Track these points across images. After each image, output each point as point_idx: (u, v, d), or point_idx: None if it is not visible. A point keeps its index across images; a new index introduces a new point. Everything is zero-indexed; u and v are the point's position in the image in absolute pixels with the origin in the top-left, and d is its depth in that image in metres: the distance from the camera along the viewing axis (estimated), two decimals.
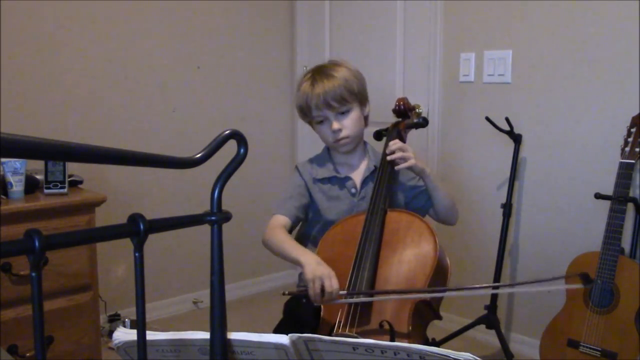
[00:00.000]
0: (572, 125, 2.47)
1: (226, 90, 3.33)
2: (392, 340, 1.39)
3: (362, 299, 1.44)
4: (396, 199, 1.78)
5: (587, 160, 2.44)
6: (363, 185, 1.78)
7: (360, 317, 1.42)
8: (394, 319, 1.42)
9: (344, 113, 1.71)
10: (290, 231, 1.73)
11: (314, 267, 1.46)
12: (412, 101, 1.97)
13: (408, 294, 1.45)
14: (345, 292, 1.43)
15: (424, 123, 1.88)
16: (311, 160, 1.87)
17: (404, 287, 1.48)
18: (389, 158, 1.69)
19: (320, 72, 1.73)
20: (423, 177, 1.74)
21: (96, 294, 2.26)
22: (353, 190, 1.78)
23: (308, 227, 1.84)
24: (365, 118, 1.80)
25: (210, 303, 0.78)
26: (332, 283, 1.42)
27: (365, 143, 1.84)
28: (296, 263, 1.53)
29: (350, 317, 1.42)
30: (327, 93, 1.68)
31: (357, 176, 1.79)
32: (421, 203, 1.80)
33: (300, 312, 1.69)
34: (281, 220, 1.70)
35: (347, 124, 1.72)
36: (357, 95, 1.73)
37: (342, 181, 1.79)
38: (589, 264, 2.14)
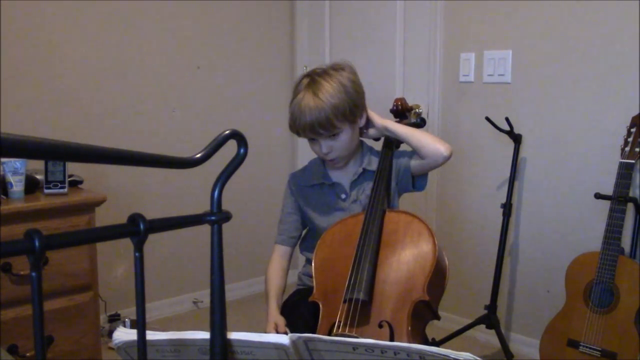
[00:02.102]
0: (572, 125, 2.47)
1: (226, 90, 3.33)
2: (391, 340, 1.39)
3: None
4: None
5: (587, 160, 2.44)
6: (352, 189, 1.77)
7: (359, 317, 1.42)
8: (393, 319, 1.42)
9: (333, 135, 1.67)
10: (294, 247, 1.86)
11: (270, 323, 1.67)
12: (412, 101, 1.97)
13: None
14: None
15: (421, 123, 1.88)
16: (304, 168, 1.87)
17: (404, 287, 1.47)
18: None
19: (310, 91, 1.64)
20: (390, 133, 1.72)
21: (96, 294, 2.26)
22: (343, 196, 1.77)
23: (304, 237, 1.86)
24: (361, 128, 1.76)
25: (210, 303, 0.78)
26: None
27: (361, 145, 1.81)
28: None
29: (349, 317, 1.42)
30: (314, 121, 1.62)
31: (347, 180, 1.78)
32: (402, 174, 1.76)
33: (300, 312, 1.69)
34: (279, 252, 1.82)
35: (336, 146, 1.69)
36: (347, 117, 1.65)
37: (331, 187, 1.78)
38: (589, 264, 2.14)
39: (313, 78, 1.67)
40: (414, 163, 1.73)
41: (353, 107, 1.66)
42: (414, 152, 1.73)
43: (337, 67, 1.70)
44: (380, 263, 1.51)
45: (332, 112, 1.62)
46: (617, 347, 2.05)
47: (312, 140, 1.71)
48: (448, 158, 1.68)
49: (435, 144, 1.68)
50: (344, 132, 1.67)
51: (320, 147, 1.69)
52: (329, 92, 1.63)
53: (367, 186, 1.74)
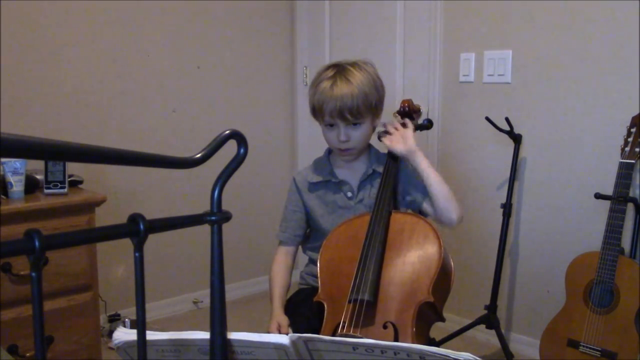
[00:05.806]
0: (572, 125, 2.47)
1: (226, 90, 3.33)
2: (395, 341, 1.38)
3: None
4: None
5: (587, 160, 2.44)
6: (360, 189, 1.77)
7: (364, 318, 1.41)
8: (398, 320, 1.42)
9: (355, 124, 1.69)
10: (298, 246, 1.87)
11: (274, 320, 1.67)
12: (412, 102, 1.96)
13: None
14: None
15: (428, 125, 1.88)
16: (309, 166, 1.86)
17: (409, 288, 1.47)
18: (377, 131, 1.76)
19: (342, 76, 1.66)
20: (411, 162, 1.71)
21: (96, 294, 2.26)
22: (349, 194, 1.77)
23: (308, 237, 1.86)
24: (375, 127, 1.77)
25: (210, 303, 0.78)
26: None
27: (369, 146, 1.81)
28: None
29: (354, 318, 1.41)
30: (345, 105, 1.63)
31: (355, 180, 1.78)
32: (413, 196, 1.76)
33: (303, 312, 1.69)
34: (283, 251, 1.82)
35: (355, 136, 1.70)
36: (373, 109, 1.69)
37: (337, 185, 1.78)
38: (589, 264, 2.14)
39: (342, 67, 1.70)
40: (427, 208, 1.73)
41: (378, 101, 1.72)
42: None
43: (363, 63, 1.74)
44: (386, 264, 1.50)
45: (363, 98, 1.65)
46: (617, 347, 2.05)
47: (329, 127, 1.71)
48: (455, 224, 1.72)
49: (449, 204, 1.68)
50: (365, 124, 1.70)
51: (340, 134, 1.69)
52: (361, 79, 1.67)
53: (374, 188, 1.75)
